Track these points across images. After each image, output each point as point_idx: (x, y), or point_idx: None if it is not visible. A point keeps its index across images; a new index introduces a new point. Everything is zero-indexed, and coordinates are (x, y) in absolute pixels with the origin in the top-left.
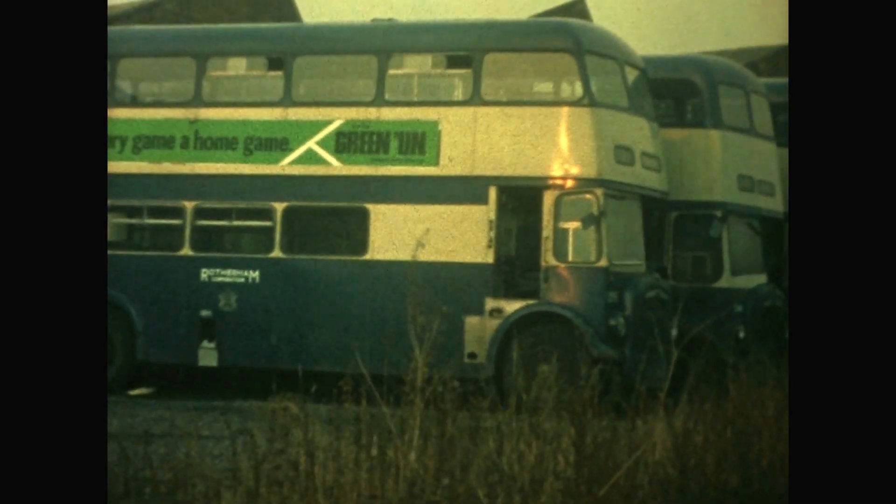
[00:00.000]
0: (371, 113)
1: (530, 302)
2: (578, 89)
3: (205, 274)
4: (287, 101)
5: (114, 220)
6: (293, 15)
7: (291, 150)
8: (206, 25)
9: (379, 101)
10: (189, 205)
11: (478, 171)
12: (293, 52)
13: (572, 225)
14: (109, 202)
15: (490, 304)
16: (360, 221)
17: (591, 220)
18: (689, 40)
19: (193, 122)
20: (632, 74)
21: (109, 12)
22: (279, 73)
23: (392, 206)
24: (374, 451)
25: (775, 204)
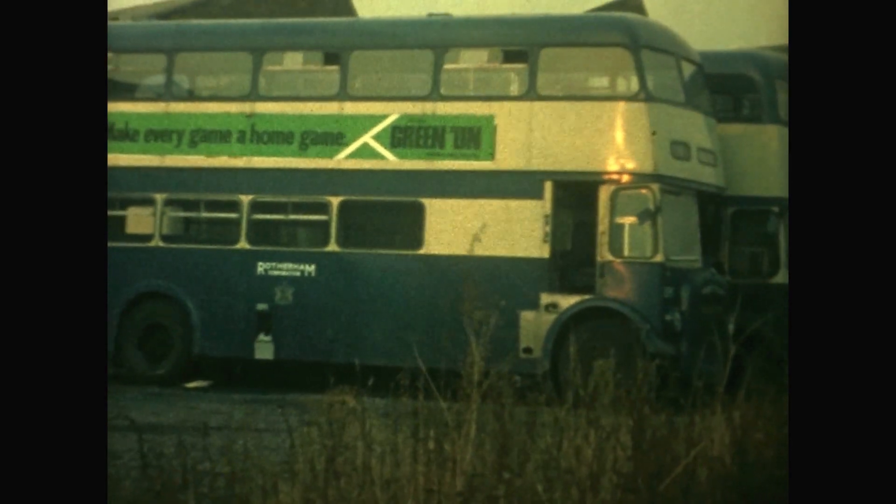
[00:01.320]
0: (427, 107)
1: (586, 297)
2: (634, 84)
3: (261, 267)
4: (343, 95)
5: (171, 213)
6: (349, 10)
7: (347, 145)
8: (262, 20)
9: (435, 95)
10: (245, 199)
11: (533, 166)
12: (349, 46)
13: (628, 220)
14: (166, 196)
15: (545, 298)
16: (416, 216)
17: (647, 216)
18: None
19: (250, 116)
20: (688, 69)
21: (165, 7)
22: (335, 67)
23: (447, 201)
24: (431, 445)
25: None
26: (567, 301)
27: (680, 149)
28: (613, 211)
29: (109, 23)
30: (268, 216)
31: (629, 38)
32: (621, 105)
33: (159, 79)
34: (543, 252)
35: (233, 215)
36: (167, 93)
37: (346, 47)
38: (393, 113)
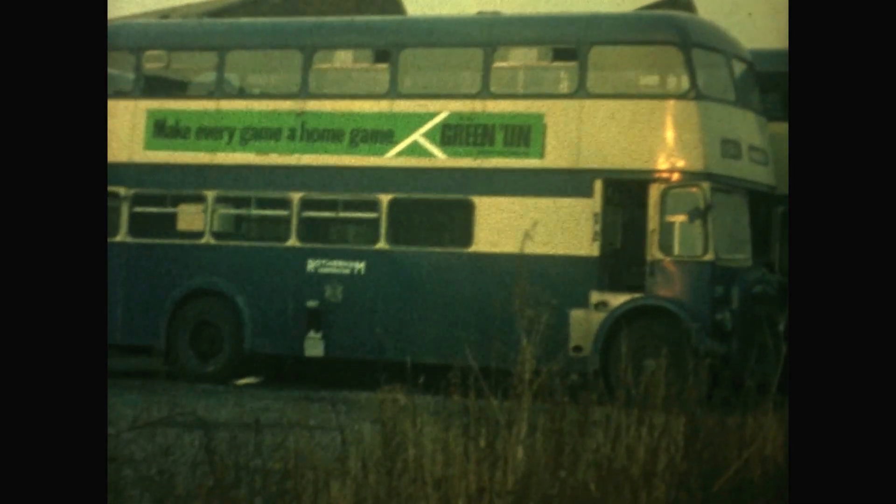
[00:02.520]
0: (476, 105)
1: (636, 295)
2: (685, 82)
3: (311, 265)
4: (393, 93)
5: (222, 211)
6: (398, 8)
7: (397, 143)
8: (312, 18)
9: (484, 93)
10: (296, 196)
11: (583, 164)
12: (399, 44)
13: (678, 218)
14: (217, 193)
15: (595, 297)
16: (466, 214)
17: (697, 214)
18: None
19: (300, 114)
20: (739, 68)
21: (217, 5)
22: (385, 65)
23: (497, 199)
24: (483, 444)
25: None
26: (617, 300)
27: (730, 147)
28: (664, 209)
29: (161, 21)
30: (318, 214)
31: (680, 36)
32: (671, 103)
33: (210, 76)
34: (593, 250)
35: (283, 213)
36: (218, 90)
37: (396, 45)
38: (443, 111)
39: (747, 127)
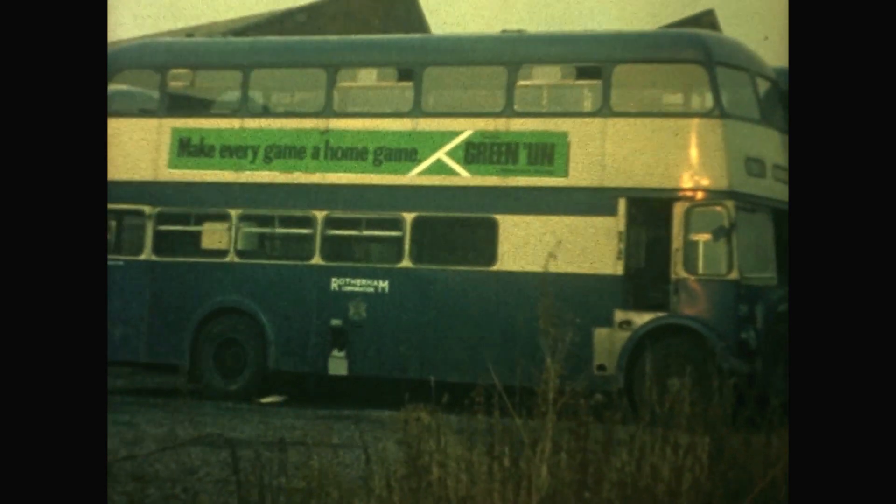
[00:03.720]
0: (500, 124)
1: (660, 314)
2: (709, 101)
3: (335, 283)
4: (416, 111)
5: (246, 229)
6: (422, 26)
7: (420, 161)
8: (336, 37)
9: (508, 111)
10: (319, 214)
11: (607, 183)
12: (423, 63)
13: (703, 237)
14: (241, 211)
15: (619, 315)
16: (489, 232)
17: (721, 233)
18: None
19: (324, 132)
20: (763, 86)
21: (241, 24)
22: (409, 83)
23: (521, 217)
24: (507, 463)
25: None
26: (641, 318)
27: (755, 165)
28: (688, 228)
29: (186, 39)
30: (342, 232)
31: (704, 54)
32: (696, 122)
33: (235, 95)
34: (617, 269)
35: (307, 231)
36: (242, 109)
37: (419, 63)
38: (466, 129)
39: (771, 145)
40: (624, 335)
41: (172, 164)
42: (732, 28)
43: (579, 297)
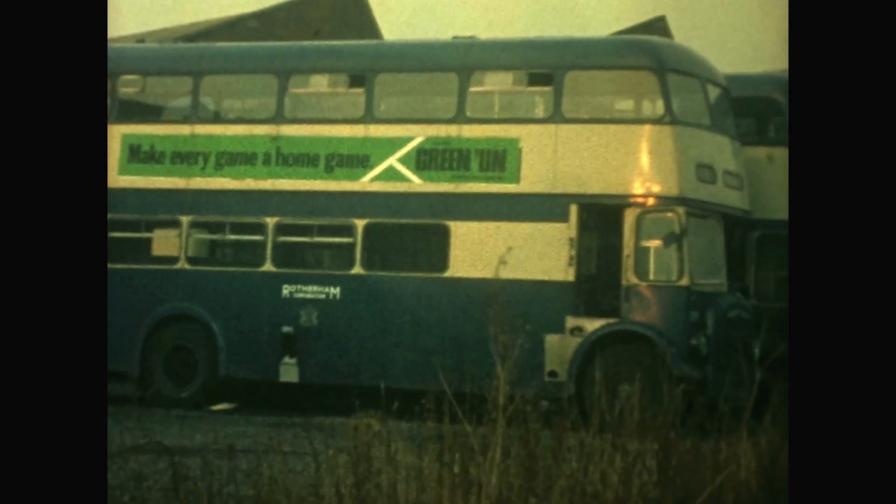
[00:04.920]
0: (452, 130)
1: (611, 321)
2: (660, 107)
3: (286, 290)
4: (368, 118)
5: (196, 235)
6: (374, 33)
7: (372, 167)
8: (287, 43)
9: (460, 118)
10: (271, 221)
11: (558, 189)
12: (374, 69)
13: (654, 243)
14: (192, 218)
15: (571, 322)
16: (441, 239)
17: (672, 239)
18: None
19: (275, 138)
20: (714, 92)
21: (193, 30)
22: (360, 90)
23: (472, 224)
24: (457, 469)
25: None
26: (592, 325)
27: (705, 172)
28: (639, 234)
29: (137, 45)
30: (293, 239)
31: (655, 61)
32: (647, 128)
33: (185, 101)
34: (569, 275)
35: (258, 238)
36: (193, 115)
37: (371, 70)
38: (418, 135)
39: (722, 151)
40: (575, 342)
41: (123, 171)
42: (683, 34)
43: (531, 303)
